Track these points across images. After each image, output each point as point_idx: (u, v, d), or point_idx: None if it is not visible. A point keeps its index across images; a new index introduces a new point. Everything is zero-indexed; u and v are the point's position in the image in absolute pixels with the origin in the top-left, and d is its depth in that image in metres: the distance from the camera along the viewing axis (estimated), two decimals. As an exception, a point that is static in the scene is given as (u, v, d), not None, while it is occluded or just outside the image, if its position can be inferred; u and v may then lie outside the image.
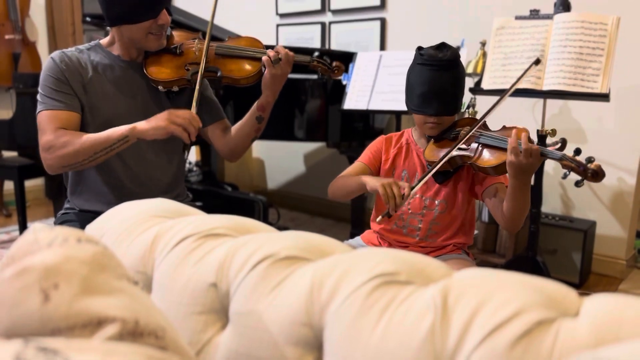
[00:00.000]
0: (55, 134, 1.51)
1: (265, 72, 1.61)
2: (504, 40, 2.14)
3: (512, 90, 1.52)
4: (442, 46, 1.53)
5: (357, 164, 1.69)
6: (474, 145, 1.49)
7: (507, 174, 1.40)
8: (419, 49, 1.54)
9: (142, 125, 1.52)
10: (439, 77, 1.49)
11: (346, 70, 2.57)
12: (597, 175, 1.23)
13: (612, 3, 2.60)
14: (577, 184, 1.30)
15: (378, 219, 1.49)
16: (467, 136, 1.47)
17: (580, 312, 0.59)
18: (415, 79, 1.54)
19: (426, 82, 1.50)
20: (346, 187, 1.58)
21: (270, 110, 1.70)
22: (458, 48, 1.55)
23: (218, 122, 1.79)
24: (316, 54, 1.71)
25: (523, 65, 2.07)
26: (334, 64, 1.70)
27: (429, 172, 1.48)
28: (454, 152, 1.49)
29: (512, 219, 1.42)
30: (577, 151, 1.32)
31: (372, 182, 1.46)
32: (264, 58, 1.59)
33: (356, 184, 1.53)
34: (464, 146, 1.49)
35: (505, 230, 1.50)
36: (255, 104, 1.69)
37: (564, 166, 1.30)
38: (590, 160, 1.26)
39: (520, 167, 1.31)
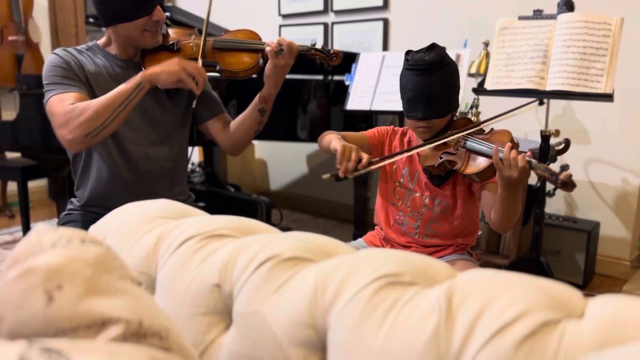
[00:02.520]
0: (68, 108, 1.47)
1: (268, 63, 1.61)
2: (507, 41, 2.14)
3: (506, 117, 1.51)
4: (429, 48, 1.51)
5: (359, 133, 1.68)
6: (462, 150, 1.49)
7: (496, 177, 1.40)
8: (407, 53, 1.54)
9: (152, 69, 1.51)
10: (426, 80, 1.48)
11: (349, 71, 2.57)
12: (567, 185, 1.22)
13: (615, 3, 2.59)
14: (549, 193, 1.29)
15: (324, 175, 1.43)
16: (453, 136, 1.47)
17: (585, 314, 0.59)
18: (404, 84, 1.54)
19: (413, 86, 1.50)
20: (324, 142, 1.58)
21: (272, 102, 1.69)
22: (445, 49, 1.54)
23: (218, 116, 1.78)
24: (314, 43, 1.71)
25: (526, 66, 2.06)
26: (332, 51, 1.70)
27: (396, 154, 1.50)
28: (443, 157, 1.49)
29: (501, 223, 1.42)
30: (553, 159, 1.31)
31: (337, 143, 1.44)
32: (267, 49, 1.59)
33: (329, 145, 1.51)
34: (452, 151, 1.49)
35: (495, 231, 1.49)
36: (257, 96, 1.68)
37: (537, 174, 1.30)
38: (563, 169, 1.25)
39: (510, 181, 1.30)
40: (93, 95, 1.60)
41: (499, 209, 1.39)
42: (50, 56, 1.59)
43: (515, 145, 1.36)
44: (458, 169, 1.47)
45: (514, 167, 1.28)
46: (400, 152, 1.50)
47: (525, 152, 1.30)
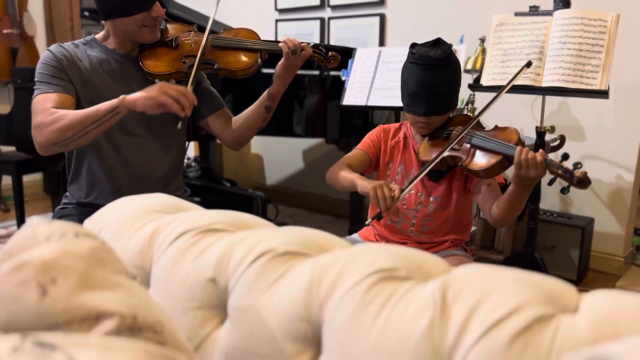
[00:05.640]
0: (46, 112, 1.48)
1: (280, 62, 1.61)
2: (503, 37, 2.14)
3: (506, 89, 1.51)
4: (435, 43, 1.49)
5: (357, 152, 1.68)
6: (466, 146, 1.48)
7: (499, 175, 1.40)
8: (412, 46, 1.52)
9: (132, 95, 1.47)
10: (430, 76, 1.47)
11: (345, 66, 2.56)
12: (582, 182, 1.22)
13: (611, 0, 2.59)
14: (563, 190, 1.29)
15: (367, 222, 1.47)
16: (459, 137, 1.46)
17: (579, 308, 0.59)
18: (407, 77, 1.53)
19: (416, 82, 1.48)
20: (340, 182, 1.58)
21: (278, 100, 1.70)
22: (451, 45, 1.53)
23: (218, 112, 1.78)
24: (311, 43, 1.70)
25: (522, 62, 2.06)
26: (330, 53, 1.69)
27: (420, 174, 1.48)
28: (446, 153, 1.48)
29: (503, 219, 1.43)
30: (565, 156, 1.31)
31: (363, 185, 1.44)
32: (284, 50, 1.58)
33: (349, 183, 1.52)
34: (456, 147, 1.49)
35: (492, 225, 1.50)
36: (265, 93, 1.68)
37: (550, 172, 1.29)
38: (577, 166, 1.25)
39: (526, 179, 1.31)
40: (84, 94, 1.59)
41: (505, 205, 1.39)
42: (44, 53, 1.60)
43: (523, 144, 1.36)
44: (463, 164, 1.46)
45: (532, 166, 1.28)
46: (423, 170, 1.48)
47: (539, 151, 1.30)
